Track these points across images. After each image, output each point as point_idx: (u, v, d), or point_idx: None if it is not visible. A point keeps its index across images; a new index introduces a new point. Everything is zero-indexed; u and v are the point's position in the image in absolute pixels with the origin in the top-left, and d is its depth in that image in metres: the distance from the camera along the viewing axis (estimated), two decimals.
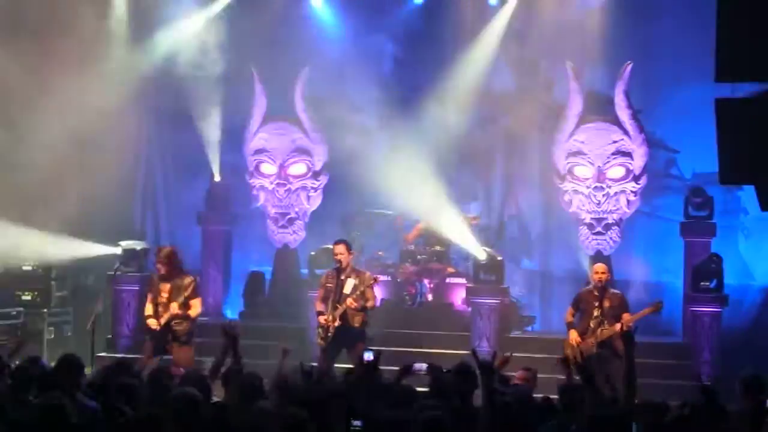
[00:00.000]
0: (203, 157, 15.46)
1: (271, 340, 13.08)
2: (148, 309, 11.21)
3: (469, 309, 13.71)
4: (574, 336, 11.12)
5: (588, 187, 14.34)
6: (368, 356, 7.82)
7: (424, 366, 7.60)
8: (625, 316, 10.96)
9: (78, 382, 7.22)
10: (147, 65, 15.11)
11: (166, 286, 11.10)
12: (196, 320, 11.29)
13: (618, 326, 10.89)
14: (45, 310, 14.44)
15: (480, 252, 13.94)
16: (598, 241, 14.36)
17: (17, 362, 8.09)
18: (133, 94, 14.94)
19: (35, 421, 5.64)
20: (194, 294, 11.17)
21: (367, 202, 15.16)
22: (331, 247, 12.00)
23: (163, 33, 15.36)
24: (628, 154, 14.21)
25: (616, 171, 14.27)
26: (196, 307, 11.17)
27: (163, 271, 11.10)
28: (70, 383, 7.08)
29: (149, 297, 11.31)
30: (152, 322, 11.07)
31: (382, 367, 9.75)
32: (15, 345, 9.37)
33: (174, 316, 10.96)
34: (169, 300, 11.04)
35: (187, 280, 11.15)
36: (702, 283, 13.27)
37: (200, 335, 11.50)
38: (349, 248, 11.57)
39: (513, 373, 9.16)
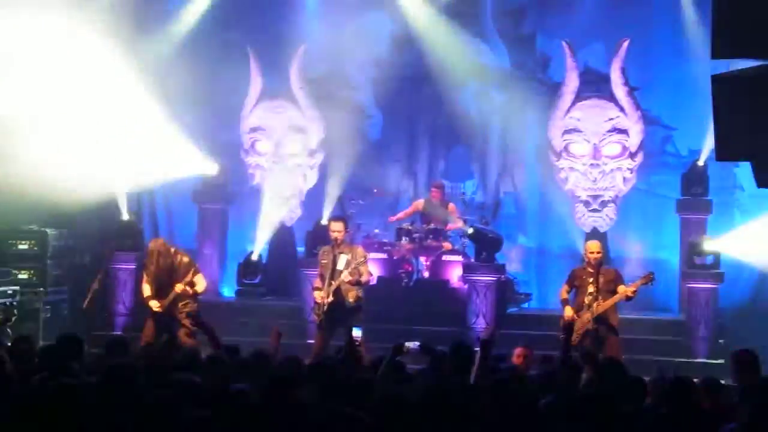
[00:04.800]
0: (200, 134, 15.42)
1: (267, 319, 13.12)
2: (146, 290, 11.12)
3: (466, 286, 13.73)
4: (569, 313, 11.14)
5: (584, 165, 14.36)
6: (357, 333, 7.82)
7: (416, 344, 7.62)
8: (621, 287, 11.00)
9: (78, 360, 7.24)
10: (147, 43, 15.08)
11: (161, 267, 11.04)
12: (199, 298, 11.27)
13: (615, 298, 10.92)
14: (41, 288, 14.44)
15: (466, 228, 14.02)
16: (594, 218, 14.38)
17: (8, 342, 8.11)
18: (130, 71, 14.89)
19: (45, 402, 5.60)
20: (197, 272, 11.15)
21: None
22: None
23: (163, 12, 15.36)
24: (624, 132, 14.21)
25: (612, 148, 14.27)
26: (200, 283, 11.13)
27: (163, 261, 11.02)
28: (70, 361, 7.11)
29: (145, 278, 11.23)
30: (154, 304, 10.96)
31: (378, 345, 9.83)
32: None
33: (180, 295, 10.89)
34: (170, 279, 10.96)
35: (185, 259, 11.10)
36: (698, 260, 13.36)
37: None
38: (346, 225, 11.56)
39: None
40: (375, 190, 15.35)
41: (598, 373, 7.11)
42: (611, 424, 5.61)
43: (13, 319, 10.14)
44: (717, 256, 13.40)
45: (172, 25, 15.47)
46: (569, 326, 7.65)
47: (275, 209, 15.18)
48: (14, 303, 13.81)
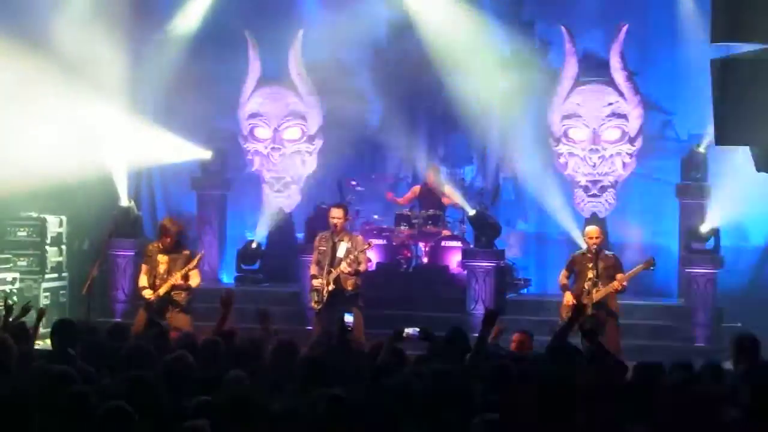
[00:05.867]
0: (198, 121, 15.40)
1: (266, 305, 13.10)
2: (143, 280, 11.06)
3: (465, 272, 13.73)
4: (569, 298, 11.15)
5: (583, 150, 14.35)
6: (348, 319, 7.82)
7: (416, 330, 7.61)
8: (619, 276, 11.02)
9: (74, 346, 7.22)
10: (147, 31, 15.05)
11: (164, 258, 11.01)
12: (195, 290, 11.25)
13: (613, 285, 10.96)
14: (40, 276, 14.44)
15: (468, 208, 14.05)
16: (594, 203, 14.38)
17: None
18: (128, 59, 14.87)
19: (42, 389, 5.59)
20: (195, 266, 11.11)
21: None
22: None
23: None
24: (623, 116, 14.21)
25: (612, 133, 14.27)
26: (195, 278, 11.10)
27: (168, 244, 11.00)
28: (66, 348, 7.10)
29: (144, 267, 11.19)
30: (147, 293, 10.92)
31: (377, 331, 9.82)
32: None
33: (175, 287, 10.87)
34: (168, 271, 10.94)
35: (188, 253, 11.06)
36: (697, 245, 13.36)
37: (197, 301, 11.48)
38: (346, 212, 11.55)
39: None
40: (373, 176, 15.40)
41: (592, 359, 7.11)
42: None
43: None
44: (717, 242, 13.39)
45: (170, 13, 15.43)
46: (579, 308, 7.63)
47: (275, 197, 15.16)
48: (13, 291, 13.85)
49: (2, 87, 13.43)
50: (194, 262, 10.94)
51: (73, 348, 7.18)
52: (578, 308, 7.43)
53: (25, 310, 8.80)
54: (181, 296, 10.96)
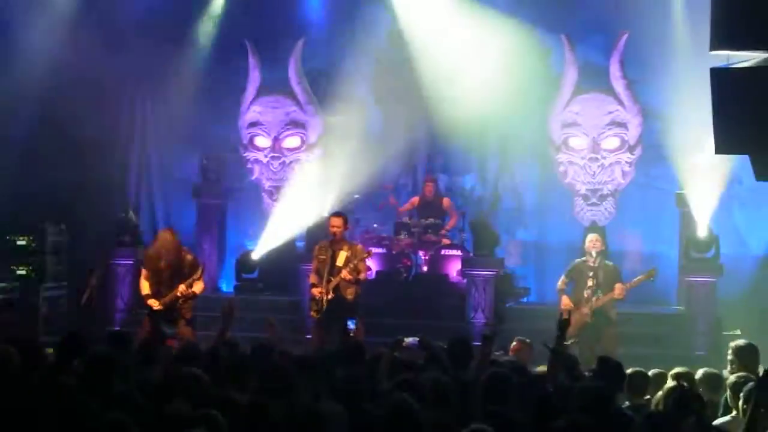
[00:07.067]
0: (198, 129, 15.42)
1: (265, 314, 13.09)
2: (145, 287, 10.92)
3: (464, 280, 13.72)
4: (566, 301, 11.16)
5: (583, 158, 14.37)
6: (351, 326, 7.82)
7: (415, 339, 7.61)
8: (618, 286, 11.03)
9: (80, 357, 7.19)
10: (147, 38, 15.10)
11: (167, 264, 10.93)
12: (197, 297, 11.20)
13: (614, 294, 10.98)
14: (40, 284, 14.42)
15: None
16: (593, 212, 14.38)
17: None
18: (125, 66, 14.90)
19: (45, 406, 5.56)
20: (201, 274, 11.02)
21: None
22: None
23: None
24: (623, 125, 14.23)
25: (611, 142, 14.28)
26: (199, 286, 11.02)
27: (171, 257, 10.87)
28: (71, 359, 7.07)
29: (144, 273, 11.08)
30: (153, 302, 10.76)
31: (377, 340, 9.81)
32: None
33: (182, 296, 10.74)
34: (171, 278, 10.82)
35: (189, 257, 10.94)
36: (697, 253, 13.34)
37: (196, 310, 11.44)
38: (345, 221, 11.53)
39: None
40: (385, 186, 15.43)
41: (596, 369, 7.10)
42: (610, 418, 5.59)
43: None
44: (716, 250, 13.38)
45: (171, 19, 15.46)
46: (565, 322, 7.49)
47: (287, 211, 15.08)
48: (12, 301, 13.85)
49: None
50: (198, 273, 10.83)
51: (81, 359, 7.14)
52: (563, 322, 7.39)
53: None
54: (186, 307, 10.87)
